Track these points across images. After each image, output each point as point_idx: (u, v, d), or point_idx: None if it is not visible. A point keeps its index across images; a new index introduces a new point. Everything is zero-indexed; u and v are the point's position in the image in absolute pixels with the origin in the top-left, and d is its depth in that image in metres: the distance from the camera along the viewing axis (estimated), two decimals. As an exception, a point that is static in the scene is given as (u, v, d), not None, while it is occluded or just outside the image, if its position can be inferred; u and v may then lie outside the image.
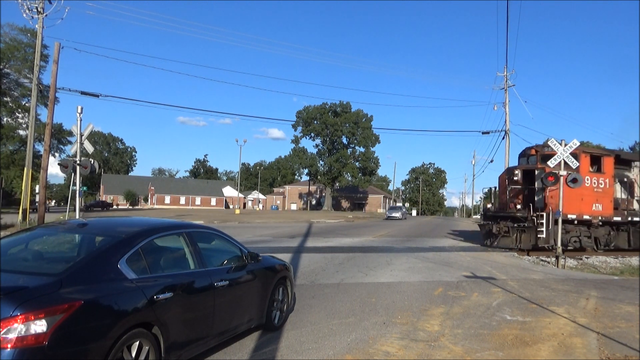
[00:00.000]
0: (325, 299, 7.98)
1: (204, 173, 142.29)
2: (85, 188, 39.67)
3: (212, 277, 4.89)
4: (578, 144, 15.14)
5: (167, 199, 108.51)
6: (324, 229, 28.93)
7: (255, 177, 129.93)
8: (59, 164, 17.69)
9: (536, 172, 17.25)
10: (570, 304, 8.33)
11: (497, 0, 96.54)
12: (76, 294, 3.47)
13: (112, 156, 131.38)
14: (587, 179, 17.33)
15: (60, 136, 56.50)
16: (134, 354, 3.77)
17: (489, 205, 19.07)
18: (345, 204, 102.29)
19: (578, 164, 16.69)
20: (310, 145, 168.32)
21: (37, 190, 24.95)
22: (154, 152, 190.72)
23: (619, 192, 19.06)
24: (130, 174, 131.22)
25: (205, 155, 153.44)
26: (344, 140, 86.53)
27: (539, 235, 16.50)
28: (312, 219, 42.22)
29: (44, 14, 23.37)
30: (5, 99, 48.73)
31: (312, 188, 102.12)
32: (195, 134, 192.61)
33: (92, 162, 16.33)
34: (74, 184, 21.26)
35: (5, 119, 51.10)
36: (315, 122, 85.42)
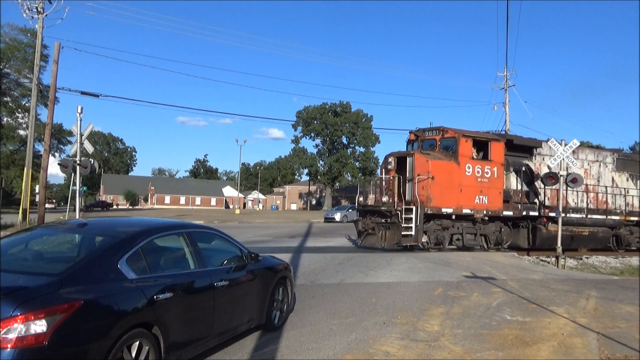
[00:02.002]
0: (325, 299, 7.98)
1: (204, 173, 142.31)
2: (85, 188, 39.67)
3: (212, 277, 4.89)
4: (578, 143, 15.14)
5: (167, 199, 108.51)
6: (324, 228, 28.93)
7: (255, 177, 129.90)
8: (59, 164, 17.70)
9: (408, 159, 15.27)
10: (570, 304, 8.33)
11: (497, 0, 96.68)
12: (76, 294, 3.47)
13: (112, 156, 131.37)
14: (469, 167, 15.34)
15: (60, 136, 56.50)
16: (134, 354, 3.77)
17: (361, 198, 16.37)
18: (345, 203, 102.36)
19: (577, 162, 16.54)
20: (310, 145, 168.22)
21: (37, 190, 24.94)
22: (154, 152, 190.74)
23: (514, 183, 16.71)
24: (130, 174, 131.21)
25: (205, 155, 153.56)
26: (344, 140, 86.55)
27: (403, 233, 14.30)
28: (312, 219, 42.23)
29: (44, 14, 23.37)
30: (5, 99, 48.72)
31: (312, 188, 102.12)
32: (195, 134, 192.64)
33: (92, 162, 16.33)
34: (74, 184, 21.25)
35: (5, 119, 51.09)
36: (315, 122, 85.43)
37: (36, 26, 24.19)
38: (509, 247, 16.86)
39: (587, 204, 18.17)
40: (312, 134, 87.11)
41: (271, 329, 6.03)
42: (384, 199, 15.16)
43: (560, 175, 14.99)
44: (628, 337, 6.32)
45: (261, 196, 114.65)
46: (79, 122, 15.86)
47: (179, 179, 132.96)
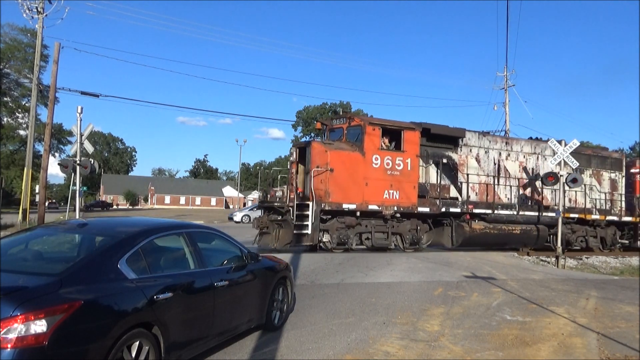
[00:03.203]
0: (325, 299, 7.98)
1: (204, 173, 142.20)
2: (85, 188, 39.66)
3: (212, 277, 4.89)
4: (578, 143, 15.16)
5: (167, 199, 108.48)
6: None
7: (255, 177, 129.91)
8: (59, 164, 17.72)
9: (307, 149, 13.60)
10: (570, 304, 8.33)
11: (497, 0, 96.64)
12: (76, 294, 3.47)
13: (112, 156, 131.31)
14: (377, 159, 13.86)
15: (60, 136, 56.51)
16: (134, 354, 3.77)
17: (263, 193, 14.85)
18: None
19: (576, 162, 16.39)
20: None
21: (37, 190, 24.95)
22: (154, 152, 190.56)
23: (434, 177, 15.24)
24: (130, 174, 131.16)
25: (205, 155, 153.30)
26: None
27: (296, 231, 12.95)
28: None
29: (44, 14, 23.37)
30: (5, 99, 48.72)
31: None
32: (195, 134, 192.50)
33: (92, 162, 16.35)
34: (74, 184, 21.26)
35: (5, 119, 51.10)
36: (315, 122, 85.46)
37: (36, 26, 24.18)
38: (432, 247, 15.80)
39: (523, 200, 17.02)
40: (312, 134, 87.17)
41: (271, 329, 6.03)
42: (278, 193, 14.07)
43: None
44: (628, 337, 6.32)
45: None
46: (79, 122, 15.86)
47: (179, 179, 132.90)
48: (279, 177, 14.85)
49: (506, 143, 17.18)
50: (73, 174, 17.80)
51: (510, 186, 16.81)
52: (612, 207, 19.12)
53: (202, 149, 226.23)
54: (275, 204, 13.79)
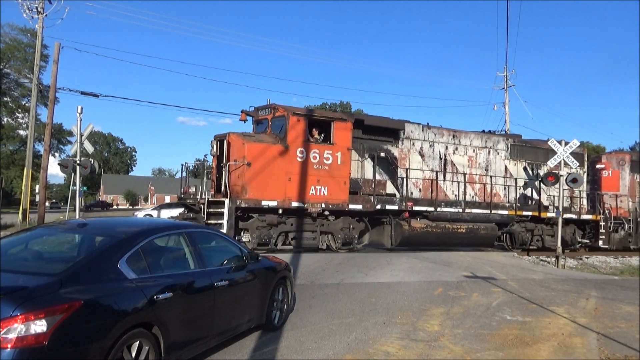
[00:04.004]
0: (325, 299, 7.98)
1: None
2: (85, 188, 39.68)
3: (212, 277, 4.89)
4: (578, 143, 15.17)
5: (167, 199, 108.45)
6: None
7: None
8: (59, 164, 17.71)
9: (225, 142, 12.81)
10: (570, 304, 8.34)
11: (497, 0, 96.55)
12: (76, 294, 3.48)
13: (112, 156, 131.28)
14: (302, 152, 12.78)
15: (60, 136, 56.49)
16: (134, 354, 3.77)
17: (182, 189, 14.04)
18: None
19: (576, 161, 16.31)
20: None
21: (37, 190, 24.95)
22: (154, 152, 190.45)
23: (370, 172, 14.16)
24: (130, 174, 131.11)
25: (205, 156, 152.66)
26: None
27: None
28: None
29: (44, 14, 23.38)
30: (5, 99, 48.73)
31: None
32: (195, 134, 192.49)
33: (92, 162, 16.35)
34: (74, 184, 21.26)
35: (5, 119, 51.11)
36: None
37: (36, 26, 24.21)
38: (372, 247, 14.93)
39: (471, 197, 16.04)
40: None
41: (271, 329, 6.03)
42: (192, 189, 13.25)
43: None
44: (628, 337, 6.32)
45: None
46: (79, 122, 15.86)
47: (179, 179, 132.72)
48: (205, 172, 13.89)
49: (454, 136, 16.08)
50: (73, 174, 17.80)
51: (458, 182, 15.81)
52: (571, 205, 18.08)
53: (202, 149, 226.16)
54: (188, 201, 13.00)
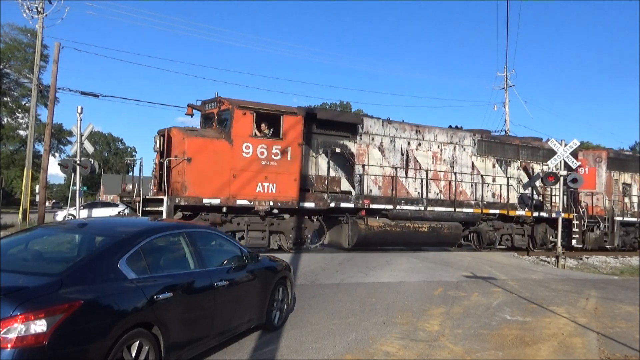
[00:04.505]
0: (325, 299, 7.98)
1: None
2: (85, 188, 39.66)
3: (212, 277, 4.89)
4: (578, 143, 15.18)
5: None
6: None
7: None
8: (59, 164, 17.74)
9: (167, 137, 12.23)
10: (570, 304, 8.34)
11: (497, 0, 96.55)
12: (76, 294, 3.48)
13: (112, 156, 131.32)
14: (248, 147, 12.17)
15: (60, 136, 56.47)
16: (134, 354, 3.77)
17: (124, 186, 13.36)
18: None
19: (576, 162, 16.30)
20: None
21: (37, 190, 24.97)
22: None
23: (325, 168, 13.52)
24: (130, 174, 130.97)
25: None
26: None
27: None
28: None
29: (44, 14, 23.38)
30: (5, 99, 48.73)
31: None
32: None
33: (92, 162, 16.38)
34: (74, 184, 21.27)
35: (5, 119, 51.11)
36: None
37: (36, 26, 24.21)
38: (330, 247, 14.39)
39: (436, 194, 15.47)
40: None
41: (271, 329, 6.03)
42: (129, 187, 12.51)
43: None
44: (628, 337, 6.32)
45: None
46: (79, 122, 15.88)
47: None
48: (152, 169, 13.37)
49: (417, 131, 15.43)
50: (73, 174, 17.81)
51: (422, 179, 15.14)
52: (544, 203, 17.52)
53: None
54: (125, 199, 12.41)
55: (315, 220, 13.70)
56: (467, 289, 9.29)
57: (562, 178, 15.14)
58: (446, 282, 9.97)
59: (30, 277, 3.62)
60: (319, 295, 8.23)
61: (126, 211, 12.42)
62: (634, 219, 19.56)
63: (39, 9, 23.29)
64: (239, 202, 12.10)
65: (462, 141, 16.20)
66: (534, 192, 17.35)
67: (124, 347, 3.67)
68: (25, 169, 25.07)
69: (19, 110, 50.31)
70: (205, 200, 11.71)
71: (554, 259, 14.73)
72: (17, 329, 3.09)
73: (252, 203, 12.20)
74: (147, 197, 12.07)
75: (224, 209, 12.04)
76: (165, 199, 11.26)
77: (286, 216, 13.02)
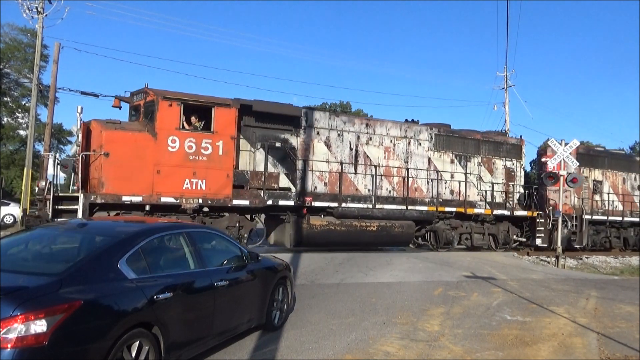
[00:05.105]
0: (325, 299, 7.98)
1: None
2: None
3: (212, 277, 4.89)
4: (578, 143, 15.15)
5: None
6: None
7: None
8: (58, 163, 17.68)
9: (86, 129, 11.59)
10: (570, 304, 8.34)
11: (497, 0, 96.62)
12: (76, 294, 3.48)
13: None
14: (174, 141, 11.37)
15: (60, 136, 56.49)
16: (134, 354, 3.77)
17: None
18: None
19: (576, 162, 16.27)
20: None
21: (36, 190, 24.92)
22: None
23: (262, 164, 12.82)
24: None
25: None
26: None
27: None
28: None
29: (44, 14, 23.37)
30: (5, 99, 48.74)
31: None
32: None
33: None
34: (74, 184, 21.27)
35: (5, 119, 51.11)
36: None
37: (36, 26, 24.18)
38: (274, 246, 13.92)
39: (388, 192, 14.80)
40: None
41: (271, 328, 6.03)
42: (42, 183, 11.78)
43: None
44: (628, 337, 6.33)
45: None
46: (79, 122, 15.82)
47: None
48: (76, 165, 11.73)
49: (367, 125, 14.72)
50: (73, 174, 17.78)
51: (372, 175, 14.41)
52: (506, 200, 16.76)
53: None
54: (38, 197, 11.63)
55: (255, 219, 13.09)
56: (467, 289, 9.29)
57: (562, 177, 15.13)
58: (446, 282, 9.97)
59: (30, 277, 3.62)
60: (319, 295, 8.24)
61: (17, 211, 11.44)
62: (604, 217, 18.73)
63: (39, 9, 23.27)
64: (164, 199, 11.32)
65: (418, 135, 15.48)
66: (496, 189, 16.58)
67: (124, 347, 3.67)
68: (25, 169, 25.05)
69: (19, 110, 50.29)
70: (125, 198, 10.94)
71: (554, 259, 14.74)
72: (17, 329, 3.09)
73: (178, 200, 11.45)
74: (59, 194, 11.27)
75: (147, 207, 11.25)
76: (80, 196, 10.59)
77: (226, 214, 12.38)
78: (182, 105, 11.62)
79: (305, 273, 10.29)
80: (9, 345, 3.06)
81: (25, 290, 3.33)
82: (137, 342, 3.81)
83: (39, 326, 3.15)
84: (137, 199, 11.06)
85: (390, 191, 14.84)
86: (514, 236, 16.89)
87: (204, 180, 11.71)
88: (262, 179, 12.64)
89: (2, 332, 3.06)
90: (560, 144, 14.79)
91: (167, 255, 4.91)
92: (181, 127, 11.69)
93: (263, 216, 13.39)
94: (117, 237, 4.33)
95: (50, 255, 4.57)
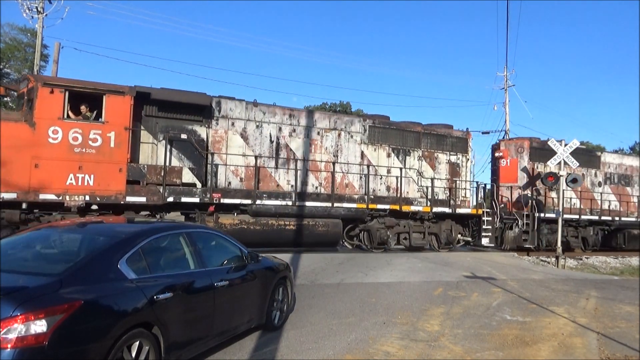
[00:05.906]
0: (325, 299, 7.98)
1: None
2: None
3: (212, 277, 4.89)
4: (578, 143, 15.19)
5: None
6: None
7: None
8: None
9: None
10: (570, 304, 8.34)
11: (497, 0, 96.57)
12: (76, 294, 3.47)
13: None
14: (56, 132, 10.31)
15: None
16: (134, 354, 3.77)
17: None
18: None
19: (576, 162, 16.24)
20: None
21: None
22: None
23: (166, 157, 11.70)
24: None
25: None
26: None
27: None
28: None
29: (44, 14, 23.40)
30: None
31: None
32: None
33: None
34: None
35: (5, 119, 51.12)
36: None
37: (36, 26, 24.23)
38: None
39: (315, 188, 13.85)
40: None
41: (271, 329, 6.03)
42: None
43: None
44: (628, 337, 6.33)
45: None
46: (79, 122, 15.81)
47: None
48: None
49: (290, 116, 13.65)
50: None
51: (296, 170, 13.39)
52: (450, 197, 15.65)
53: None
54: None
55: (159, 217, 12.04)
56: (467, 289, 9.29)
57: (562, 176, 15.15)
58: (446, 282, 9.97)
59: (30, 277, 3.62)
60: (319, 295, 8.24)
61: None
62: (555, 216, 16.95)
63: (39, 9, 23.30)
64: (43, 196, 10.23)
65: (349, 127, 14.44)
66: (438, 185, 15.55)
67: (124, 347, 3.67)
68: None
69: (19, 110, 50.30)
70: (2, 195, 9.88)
71: (554, 259, 14.76)
72: (17, 329, 3.09)
73: (60, 198, 10.37)
74: None
75: (24, 206, 10.21)
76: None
77: (130, 213, 11.38)
78: (67, 93, 10.55)
79: (305, 273, 10.29)
80: (9, 346, 3.06)
81: (25, 290, 3.33)
82: (137, 342, 3.81)
83: (39, 326, 3.15)
84: (10, 195, 9.97)
85: (317, 187, 13.91)
86: (459, 235, 15.81)
87: (92, 175, 10.65)
88: (162, 174, 11.44)
89: (2, 332, 3.06)
90: (560, 144, 14.79)
91: (167, 255, 4.91)
92: (65, 116, 10.62)
93: (174, 215, 12.36)
94: (117, 237, 4.33)
95: (50, 256, 4.57)
